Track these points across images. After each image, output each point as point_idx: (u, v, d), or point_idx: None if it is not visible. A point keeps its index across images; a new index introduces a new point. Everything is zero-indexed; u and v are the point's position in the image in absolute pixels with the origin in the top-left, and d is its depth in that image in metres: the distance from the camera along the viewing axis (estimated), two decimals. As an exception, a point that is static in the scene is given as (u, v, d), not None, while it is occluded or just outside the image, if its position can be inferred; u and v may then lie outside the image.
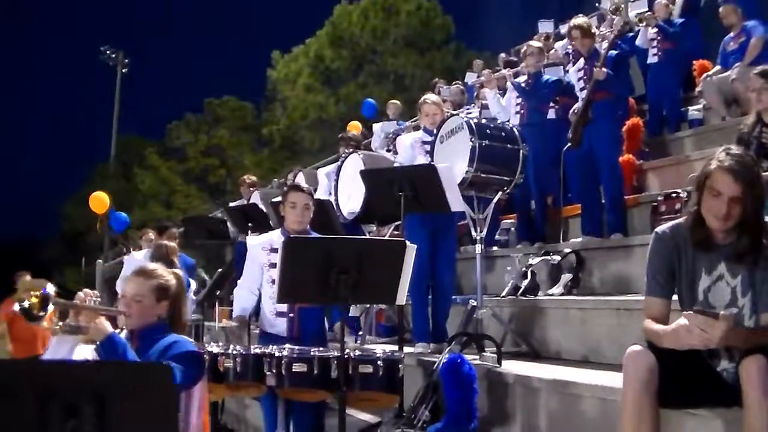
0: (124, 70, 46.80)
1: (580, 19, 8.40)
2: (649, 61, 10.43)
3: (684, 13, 10.62)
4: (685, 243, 3.75)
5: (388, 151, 12.30)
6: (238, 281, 5.86)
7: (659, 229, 3.88)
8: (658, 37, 10.21)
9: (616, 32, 8.40)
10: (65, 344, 3.78)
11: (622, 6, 11.31)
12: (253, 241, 6.00)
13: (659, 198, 7.44)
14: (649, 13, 10.11)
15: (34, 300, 3.67)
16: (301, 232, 5.53)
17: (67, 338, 3.78)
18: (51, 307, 3.68)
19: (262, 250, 5.65)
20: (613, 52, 7.94)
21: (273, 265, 5.38)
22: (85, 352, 3.83)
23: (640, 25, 10.20)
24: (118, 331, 3.97)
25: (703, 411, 3.80)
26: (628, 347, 3.64)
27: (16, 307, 3.70)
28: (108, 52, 46.47)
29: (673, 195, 7.26)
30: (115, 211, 17.24)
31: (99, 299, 3.96)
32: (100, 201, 16.57)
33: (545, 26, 11.90)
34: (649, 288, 3.82)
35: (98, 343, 3.70)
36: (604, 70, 7.66)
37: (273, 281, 5.32)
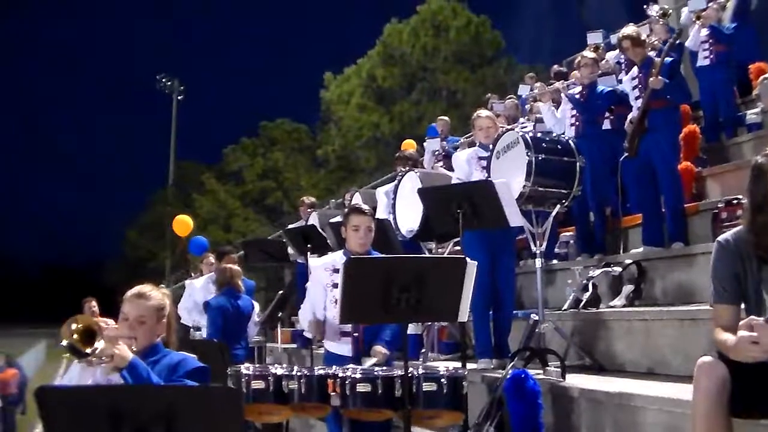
0: (179, 98, 47.50)
1: (629, 29, 8.32)
2: (699, 64, 10.30)
3: (736, 17, 10.48)
4: (749, 249, 3.71)
5: (432, 168, 12.31)
6: (302, 304, 5.90)
7: (721, 237, 3.85)
8: (710, 40, 10.08)
9: (672, 40, 8.32)
10: (86, 375, 3.85)
11: (671, 12, 11.18)
12: (315, 262, 6.05)
13: (720, 205, 7.35)
14: (705, 11, 9.98)
15: (76, 336, 3.74)
16: (363, 254, 5.56)
17: (88, 369, 3.84)
18: (102, 343, 3.73)
19: (325, 271, 5.69)
20: (668, 59, 7.86)
21: (335, 286, 5.41)
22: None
23: (697, 23, 10.08)
24: None
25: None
26: (697, 358, 3.60)
27: (63, 343, 3.76)
28: (164, 80, 47.25)
29: (734, 201, 7.17)
30: (196, 236, 17.35)
31: (115, 326, 4.00)
32: (183, 224, 16.77)
33: (594, 37, 11.81)
34: (717, 295, 3.77)
35: (123, 370, 3.74)
36: (660, 78, 7.58)
37: (336, 302, 5.35)
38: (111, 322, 3.97)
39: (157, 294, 4.19)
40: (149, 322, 4.07)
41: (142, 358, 3.91)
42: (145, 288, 4.24)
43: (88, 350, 3.73)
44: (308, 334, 5.93)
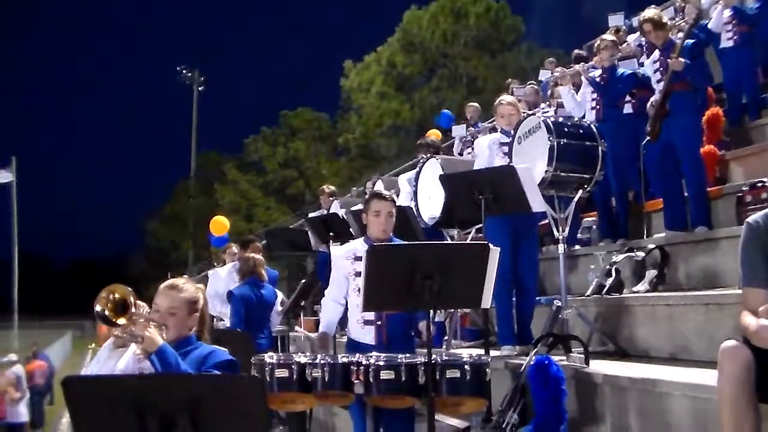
0: (200, 89, 47.68)
1: (650, 12, 8.23)
2: (722, 46, 10.17)
3: (759, -4, 10.36)
4: None
5: (460, 154, 12.33)
6: (325, 291, 5.91)
7: (751, 219, 3.80)
8: (733, 21, 9.97)
9: (691, 21, 8.23)
10: (114, 358, 3.87)
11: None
12: (337, 251, 6.05)
13: (744, 188, 7.30)
14: None
15: (110, 305, 3.78)
16: (384, 240, 5.56)
17: (116, 351, 3.88)
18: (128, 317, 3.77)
19: (347, 260, 5.69)
20: (689, 41, 7.78)
21: (358, 274, 5.41)
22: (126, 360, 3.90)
23: (719, 4, 9.97)
24: None
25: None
26: (721, 343, 3.57)
27: (97, 308, 3.81)
28: (184, 71, 47.44)
29: (759, 184, 7.12)
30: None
31: (149, 310, 4.03)
32: (220, 225, 16.81)
33: (615, 20, 11.72)
34: (745, 278, 3.72)
35: (152, 354, 3.77)
36: (681, 60, 7.51)
37: (359, 290, 5.34)
38: (145, 305, 3.99)
39: (190, 287, 4.21)
40: (180, 314, 4.09)
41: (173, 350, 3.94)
42: (179, 281, 4.29)
43: (118, 321, 3.77)
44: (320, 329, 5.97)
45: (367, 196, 6.19)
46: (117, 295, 3.84)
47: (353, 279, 5.62)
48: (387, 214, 5.63)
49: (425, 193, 8.39)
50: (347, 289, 5.71)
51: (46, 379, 21.82)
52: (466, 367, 4.90)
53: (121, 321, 3.83)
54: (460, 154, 12.40)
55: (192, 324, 4.17)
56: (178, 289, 4.14)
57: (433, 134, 13.98)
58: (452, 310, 7.82)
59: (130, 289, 3.90)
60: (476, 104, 14.44)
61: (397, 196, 8.86)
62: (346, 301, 5.78)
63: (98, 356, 4.00)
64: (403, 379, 4.88)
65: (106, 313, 3.82)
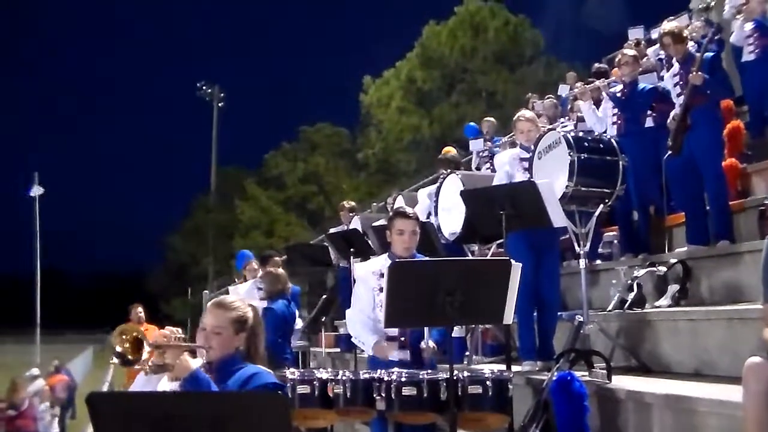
0: (220, 104, 47.96)
1: (670, 25, 8.21)
2: (744, 59, 10.11)
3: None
4: None
5: (477, 169, 12.31)
6: (348, 309, 5.86)
7: (771, 236, 3.80)
8: (755, 33, 9.92)
9: (711, 35, 8.21)
10: (151, 383, 3.83)
11: (713, 4, 11.00)
12: (362, 267, 6.05)
13: (766, 201, 7.25)
14: (748, 5, 9.82)
15: (127, 345, 3.72)
16: (408, 258, 5.54)
17: (152, 378, 3.82)
18: (147, 351, 3.73)
19: (372, 275, 5.66)
20: (709, 55, 7.75)
21: (382, 290, 5.39)
22: (166, 386, 3.85)
23: (740, 17, 9.92)
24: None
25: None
26: (745, 358, 3.56)
27: (118, 349, 3.76)
28: (204, 87, 47.73)
29: (781, 198, 7.08)
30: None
31: (182, 336, 3.96)
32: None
33: (635, 33, 11.70)
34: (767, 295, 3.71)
35: (183, 379, 3.69)
36: (701, 74, 7.49)
37: (381, 306, 5.33)
38: (177, 331, 3.93)
39: (238, 305, 4.08)
40: (225, 334, 3.96)
41: (216, 370, 3.89)
42: (228, 299, 4.19)
43: (134, 358, 3.73)
44: (356, 341, 5.90)
45: (390, 214, 6.17)
46: (130, 335, 3.72)
47: (377, 294, 5.59)
48: (411, 232, 5.61)
49: (446, 208, 8.39)
50: (372, 305, 5.66)
51: (68, 394, 21.92)
52: (488, 383, 4.90)
53: (141, 355, 3.75)
54: (478, 169, 12.38)
55: (237, 343, 4.01)
56: (224, 307, 4.03)
57: (449, 150, 14.00)
58: (474, 326, 7.81)
59: (139, 328, 3.85)
60: (492, 119, 14.33)
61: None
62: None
63: (135, 384, 3.95)
64: (425, 395, 4.88)
65: (125, 353, 3.74)
